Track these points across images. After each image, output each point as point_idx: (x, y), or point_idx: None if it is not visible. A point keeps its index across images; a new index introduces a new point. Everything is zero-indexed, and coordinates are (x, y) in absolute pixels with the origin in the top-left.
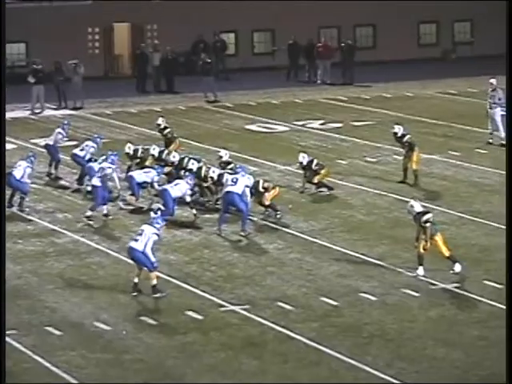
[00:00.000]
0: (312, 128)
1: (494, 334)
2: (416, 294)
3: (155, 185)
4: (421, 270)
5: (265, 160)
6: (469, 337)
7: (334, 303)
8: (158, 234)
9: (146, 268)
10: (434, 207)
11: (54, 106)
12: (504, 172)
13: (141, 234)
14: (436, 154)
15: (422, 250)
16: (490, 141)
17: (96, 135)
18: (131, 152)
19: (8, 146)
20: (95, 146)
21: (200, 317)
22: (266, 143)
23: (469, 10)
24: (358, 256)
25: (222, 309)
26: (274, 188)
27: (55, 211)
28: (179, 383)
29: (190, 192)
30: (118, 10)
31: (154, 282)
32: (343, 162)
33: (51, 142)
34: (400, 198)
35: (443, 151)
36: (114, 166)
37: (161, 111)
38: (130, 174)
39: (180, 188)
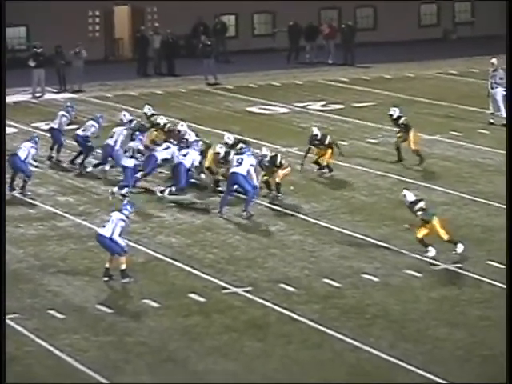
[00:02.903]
0: (313, 109)
1: (496, 314)
2: (418, 275)
3: (175, 159)
4: (432, 252)
5: (266, 142)
6: (471, 317)
7: (337, 285)
8: (124, 221)
9: (117, 254)
10: (437, 188)
11: (55, 90)
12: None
13: (109, 221)
14: (437, 135)
15: (419, 236)
16: (492, 121)
17: (98, 115)
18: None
19: (9, 130)
20: (96, 125)
21: (203, 299)
22: (267, 125)
23: None
24: (360, 237)
25: (225, 291)
26: (287, 167)
27: (56, 194)
28: (182, 366)
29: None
30: None
31: (123, 266)
32: (344, 143)
33: (56, 126)
34: (402, 178)
35: (445, 132)
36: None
37: (162, 94)
38: (153, 153)
39: (191, 157)
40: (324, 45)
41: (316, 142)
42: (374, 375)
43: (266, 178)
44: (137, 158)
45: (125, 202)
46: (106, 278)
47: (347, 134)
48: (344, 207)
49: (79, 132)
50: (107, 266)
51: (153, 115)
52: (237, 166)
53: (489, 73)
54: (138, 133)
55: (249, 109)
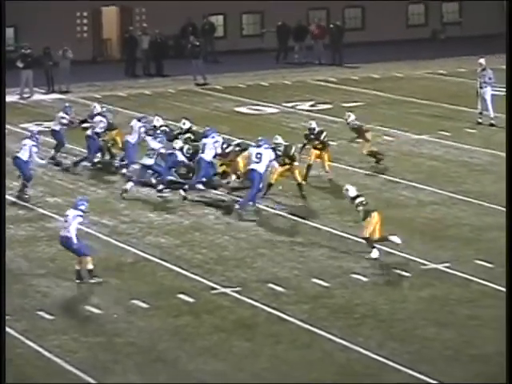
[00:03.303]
0: (302, 109)
1: (485, 314)
2: (407, 275)
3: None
4: (375, 253)
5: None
6: (460, 316)
7: (326, 284)
8: (81, 216)
9: (82, 255)
10: (425, 187)
11: (43, 91)
12: (494, 151)
13: (67, 221)
14: (426, 135)
15: (366, 235)
16: (480, 120)
17: (104, 109)
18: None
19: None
20: (104, 120)
21: (191, 300)
22: (256, 125)
23: None
24: (349, 237)
25: (214, 291)
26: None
27: (45, 195)
28: (172, 366)
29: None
30: None
31: (90, 266)
32: (333, 143)
33: (57, 128)
34: (390, 178)
35: (433, 131)
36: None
37: (151, 94)
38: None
39: (209, 147)
40: (312, 45)
41: (311, 137)
42: (364, 375)
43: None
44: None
45: (79, 197)
46: (78, 281)
47: (336, 133)
48: (333, 207)
49: (89, 132)
50: (77, 268)
51: (190, 128)
52: (256, 162)
53: (477, 73)
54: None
55: (237, 109)
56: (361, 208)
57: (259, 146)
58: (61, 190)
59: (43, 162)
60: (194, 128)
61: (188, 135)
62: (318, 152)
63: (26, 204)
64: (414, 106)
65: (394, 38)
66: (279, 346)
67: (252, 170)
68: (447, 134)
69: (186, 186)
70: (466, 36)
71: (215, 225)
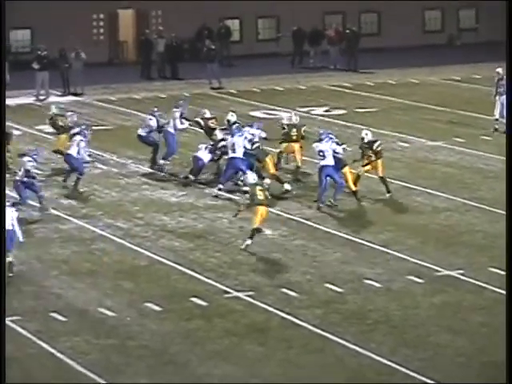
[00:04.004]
0: (316, 114)
1: (498, 321)
2: (420, 281)
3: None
4: (248, 242)
5: (269, 146)
6: (473, 324)
7: (339, 290)
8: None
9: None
10: (439, 194)
11: (59, 93)
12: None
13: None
14: (441, 141)
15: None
16: (496, 127)
17: (155, 108)
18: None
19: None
20: (154, 119)
21: (204, 303)
22: (271, 129)
23: None
24: (362, 243)
25: (227, 295)
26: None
27: (60, 197)
28: (183, 369)
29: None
30: None
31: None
32: (347, 149)
33: (143, 133)
34: (405, 184)
35: (448, 138)
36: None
37: (166, 97)
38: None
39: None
40: (328, 50)
41: (365, 146)
42: (375, 381)
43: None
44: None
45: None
46: (10, 275)
47: (350, 139)
48: (347, 212)
49: (140, 132)
50: (10, 259)
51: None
52: (322, 159)
53: (494, 81)
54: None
55: (252, 113)
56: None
57: (321, 141)
58: (75, 192)
59: (89, 158)
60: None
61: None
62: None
63: (39, 205)
64: (428, 112)
65: (410, 43)
66: (291, 351)
67: (323, 166)
68: (462, 140)
69: (221, 186)
70: (482, 42)
71: (228, 228)
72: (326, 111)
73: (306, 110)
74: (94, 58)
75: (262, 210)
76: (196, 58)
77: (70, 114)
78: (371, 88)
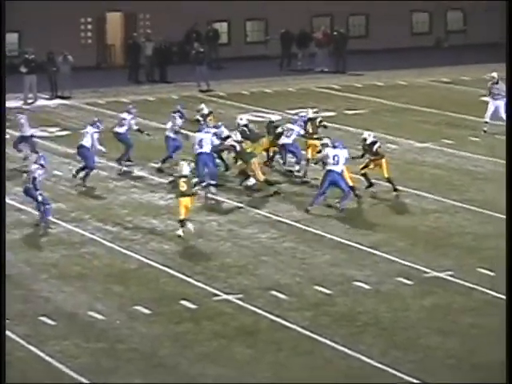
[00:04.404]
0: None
1: (488, 322)
2: (409, 283)
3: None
4: (179, 232)
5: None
6: (463, 325)
7: (328, 292)
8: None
9: None
10: (428, 195)
11: (47, 96)
12: (497, 159)
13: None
14: (429, 143)
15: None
16: (485, 129)
17: (179, 106)
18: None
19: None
20: (179, 119)
21: (194, 306)
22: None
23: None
24: (351, 245)
25: (216, 298)
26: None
27: (49, 201)
28: (173, 372)
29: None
30: (111, 0)
31: None
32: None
33: (171, 134)
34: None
35: (436, 139)
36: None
37: (154, 100)
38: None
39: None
40: (316, 52)
41: (366, 148)
42: (365, 383)
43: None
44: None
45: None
46: None
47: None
48: (336, 214)
49: (168, 133)
50: None
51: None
52: (334, 164)
53: (488, 85)
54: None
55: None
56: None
57: (335, 147)
58: (64, 195)
59: (104, 149)
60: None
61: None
62: (372, 163)
63: (28, 209)
64: (417, 113)
65: (398, 45)
66: (281, 353)
67: (330, 171)
68: (450, 142)
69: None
70: (470, 44)
71: (218, 231)
72: (315, 113)
73: (294, 112)
74: (82, 61)
75: (185, 201)
76: (184, 60)
77: (19, 116)
78: (360, 90)
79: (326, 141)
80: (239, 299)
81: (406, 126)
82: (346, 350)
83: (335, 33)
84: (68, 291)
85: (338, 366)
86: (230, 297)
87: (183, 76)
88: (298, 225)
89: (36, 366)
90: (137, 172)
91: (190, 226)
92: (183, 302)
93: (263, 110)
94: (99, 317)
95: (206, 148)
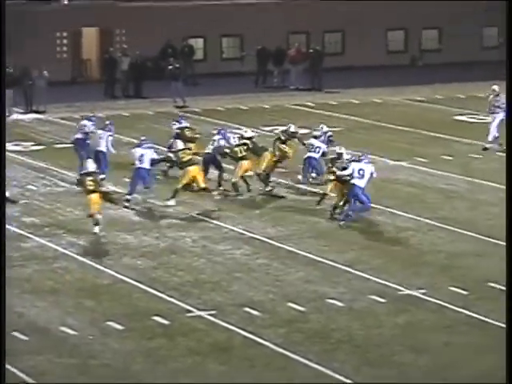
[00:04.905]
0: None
1: (460, 340)
2: (383, 300)
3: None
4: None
5: (232, 165)
6: (436, 343)
7: (301, 309)
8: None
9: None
10: (401, 213)
11: (22, 110)
12: (470, 178)
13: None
14: (403, 161)
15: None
16: (487, 146)
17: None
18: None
19: None
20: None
21: (167, 322)
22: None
23: (437, 18)
24: (325, 262)
25: (189, 314)
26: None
27: (22, 215)
28: None
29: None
30: (87, 15)
31: None
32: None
33: (103, 149)
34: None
35: (410, 157)
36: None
37: (129, 116)
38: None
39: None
40: (290, 69)
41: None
42: None
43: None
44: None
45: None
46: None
47: None
48: (310, 231)
49: (78, 136)
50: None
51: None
52: (359, 178)
53: (489, 99)
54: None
55: (245, 129)
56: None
57: (360, 161)
58: (38, 210)
59: (114, 151)
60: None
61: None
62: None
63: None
64: (391, 131)
65: (374, 63)
66: (254, 370)
67: (353, 185)
68: (424, 160)
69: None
70: (445, 63)
71: (192, 247)
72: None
73: (269, 129)
74: (57, 76)
75: (93, 198)
76: (160, 76)
77: None
78: (335, 107)
79: (348, 155)
80: (212, 315)
81: (380, 143)
82: (319, 368)
83: (311, 50)
84: (41, 306)
85: None
86: (203, 313)
87: (159, 92)
88: (271, 241)
89: (9, 381)
90: (110, 187)
91: (98, 216)
92: (156, 318)
93: (238, 126)
94: (71, 332)
95: (146, 164)
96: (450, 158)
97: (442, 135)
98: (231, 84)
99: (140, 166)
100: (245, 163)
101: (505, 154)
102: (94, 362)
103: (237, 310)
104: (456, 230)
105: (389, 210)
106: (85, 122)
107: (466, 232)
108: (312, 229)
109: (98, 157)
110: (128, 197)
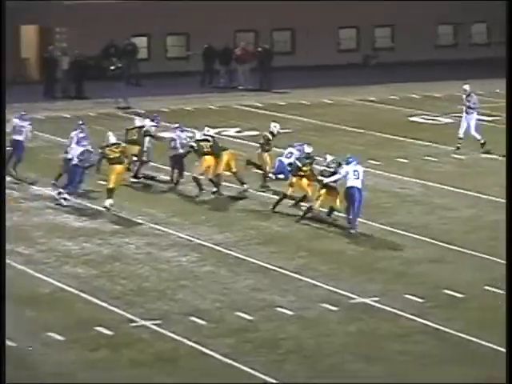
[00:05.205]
0: (227, 136)
1: (414, 349)
2: (334, 309)
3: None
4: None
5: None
6: (389, 352)
7: (250, 318)
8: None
9: None
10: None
11: None
12: (425, 182)
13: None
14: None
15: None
16: (459, 145)
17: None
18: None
19: None
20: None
21: (110, 332)
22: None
23: (390, 15)
24: (274, 269)
25: (133, 324)
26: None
27: None
28: None
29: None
30: (26, 12)
31: None
32: (259, 172)
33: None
34: (319, 208)
35: (363, 160)
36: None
37: (70, 117)
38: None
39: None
40: (236, 69)
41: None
42: None
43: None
44: None
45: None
46: None
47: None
48: (258, 237)
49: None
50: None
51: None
52: (356, 178)
53: (461, 98)
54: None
55: (160, 134)
56: None
57: (349, 163)
58: None
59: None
60: None
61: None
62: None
63: None
64: (343, 133)
65: (325, 62)
66: (201, 381)
67: (351, 187)
68: (377, 163)
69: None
70: (399, 62)
71: (136, 254)
72: (238, 132)
73: (216, 131)
74: None
75: (118, 168)
76: (102, 76)
77: None
78: (284, 108)
79: (331, 157)
80: (157, 325)
81: (331, 146)
82: (268, 379)
83: (259, 49)
84: None
85: None
86: (147, 323)
87: (101, 92)
88: (218, 248)
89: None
90: (51, 192)
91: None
92: (99, 329)
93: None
94: (10, 343)
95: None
96: (405, 160)
97: (396, 137)
98: (176, 84)
99: (76, 162)
100: (207, 159)
101: (471, 156)
102: (35, 373)
103: (183, 319)
104: (411, 235)
105: (341, 214)
106: (16, 120)
107: (421, 237)
108: (260, 234)
109: (16, 145)
110: (61, 189)
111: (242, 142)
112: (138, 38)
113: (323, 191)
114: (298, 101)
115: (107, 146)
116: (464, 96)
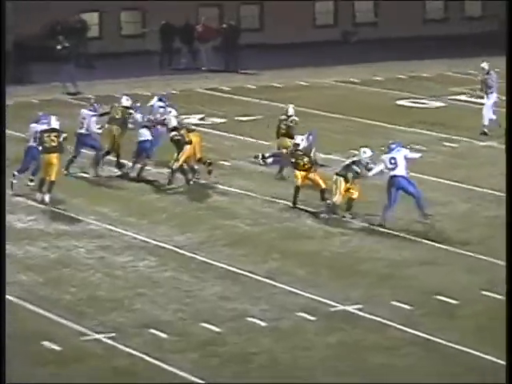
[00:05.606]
0: (189, 124)
1: (403, 363)
2: (312, 318)
3: None
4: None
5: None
6: (374, 365)
7: (217, 330)
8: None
9: None
10: (333, 215)
11: None
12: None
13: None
14: (334, 153)
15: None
16: (485, 130)
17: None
18: None
19: None
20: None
21: (58, 347)
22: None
23: None
24: (244, 274)
25: (84, 338)
26: None
27: None
28: None
29: None
30: None
31: None
32: (226, 164)
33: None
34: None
35: (343, 150)
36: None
37: (12, 104)
38: None
39: None
40: (199, 48)
41: (298, 153)
42: None
43: None
44: None
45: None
46: None
47: (229, 152)
48: (225, 238)
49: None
50: None
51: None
52: (393, 168)
53: (480, 78)
54: None
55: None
56: None
57: (391, 151)
58: None
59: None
60: None
61: None
62: (304, 173)
63: None
64: (320, 119)
65: (298, 40)
66: None
67: (393, 176)
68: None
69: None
70: (382, 38)
71: (87, 259)
72: (201, 119)
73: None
74: None
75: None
76: (48, 57)
77: None
78: (254, 92)
79: (370, 152)
80: (112, 339)
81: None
82: None
83: (224, 25)
84: None
85: None
86: (100, 336)
87: (46, 76)
88: (181, 251)
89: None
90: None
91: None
92: (45, 343)
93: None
94: None
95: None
96: None
97: (381, 123)
98: (132, 65)
99: (32, 144)
100: (188, 148)
101: (504, 138)
102: None
103: (141, 332)
104: (397, 234)
105: (317, 210)
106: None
107: (409, 237)
108: (227, 235)
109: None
110: (15, 173)
111: (206, 130)
112: (88, 13)
113: (343, 185)
114: (268, 83)
115: (45, 132)
116: (481, 75)
